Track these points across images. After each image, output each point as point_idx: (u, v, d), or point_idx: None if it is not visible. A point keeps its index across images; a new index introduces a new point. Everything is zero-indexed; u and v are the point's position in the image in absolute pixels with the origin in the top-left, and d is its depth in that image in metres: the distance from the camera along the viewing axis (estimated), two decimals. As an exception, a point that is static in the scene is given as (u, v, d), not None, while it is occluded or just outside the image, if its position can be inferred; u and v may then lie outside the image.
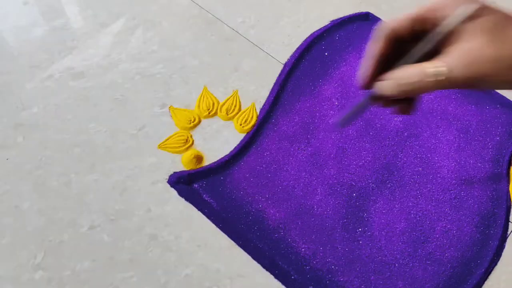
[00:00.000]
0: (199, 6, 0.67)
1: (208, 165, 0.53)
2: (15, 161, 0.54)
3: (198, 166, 0.53)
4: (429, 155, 0.54)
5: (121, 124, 0.57)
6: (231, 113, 0.57)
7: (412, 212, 0.50)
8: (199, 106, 0.58)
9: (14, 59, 0.62)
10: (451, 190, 0.52)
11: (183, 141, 0.55)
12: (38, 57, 0.62)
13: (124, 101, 0.58)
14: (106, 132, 0.56)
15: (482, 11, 0.34)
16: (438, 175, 0.53)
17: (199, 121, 0.57)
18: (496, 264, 0.48)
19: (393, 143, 0.55)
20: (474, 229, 0.49)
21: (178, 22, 0.66)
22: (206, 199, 0.51)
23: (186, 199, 0.51)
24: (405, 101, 0.37)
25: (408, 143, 0.55)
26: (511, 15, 0.34)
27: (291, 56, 0.61)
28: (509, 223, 0.50)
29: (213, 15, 0.66)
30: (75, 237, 0.49)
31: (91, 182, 0.52)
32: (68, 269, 0.47)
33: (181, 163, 0.54)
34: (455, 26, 0.33)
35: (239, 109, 0.58)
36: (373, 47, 0.35)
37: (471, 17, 0.34)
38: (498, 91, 0.58)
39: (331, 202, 0.51)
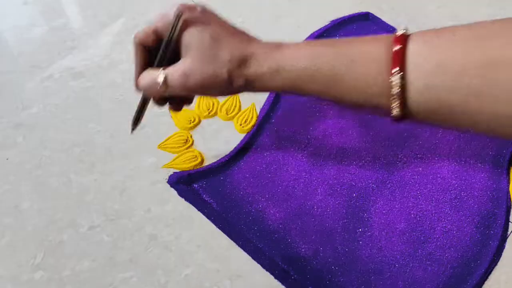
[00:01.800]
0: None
1: (208, 165, 0.53)
2: (15, 161, 0.54)
3: (198, 167, 0.53)
4: (429, 155, 0.54)
5: (121, 124, 0.56)
6: (231, 113, 0.57)
7: (412, 212, 0.50)
8: (199, 106, 0.58)
9: (14, 59, 0.62)
10: (451, 190, 0.52)
11: (183, 141, 0.55)
12: (38, 57, 0.62)
13: (124, 101, 0.58)
14: (106, 132, 0.56)
15: (206, 18, 0.40)
16: (438, 175, 0.53)
17: (199, 121, 0.57)
18: (496, 264, 0.48)
19: (393, 144, 0.55)
20: (474, 229, 0.49)
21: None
22: (206, 199, 0.51)
23: (186, 199, 0.51)
24: (176, 100, 0.45)
25: (408, 143, 0.55)
26: (226, 28, 0.40)
27: (291, 56, 0.61)
28: (509, 223, 0.50)
29: (213, 15, 0.66)
30: (75, 237, 0.49)
31: (91, 182, 0.52)
32: (68, 269, 0.47)
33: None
34: (176, 34, 0.39)
35: (239, 109, 0.58)
36: (134, 56, 0.42)
37: (197, 24, 0.39)
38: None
39: (331, 202, 0.51)
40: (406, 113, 0.34)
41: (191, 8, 0.39)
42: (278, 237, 0.49)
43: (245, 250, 0.48)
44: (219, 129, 0.56)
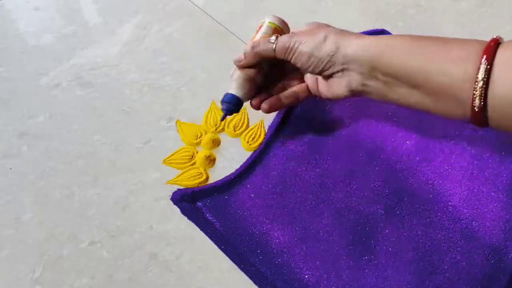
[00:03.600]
0: (212, 18, 0.66)
1: (212, 183, 0.52)
2: (18, 171, 0.53)
3: (202, 184, 0.52)
4: (440, 182, 0.52)
5: (126, 137, 0.56)
6: (238, 129, 0.56)
7: (421, 241, 0.49)
8: (206, 121, 0.57)
9: (22, 66, 0.61)
10: (462, 219, 0.50)
11: (188, 157, 0.54)
12: (46, 65, 0.61)
13: (131, 113, 0.58)
14: (111, 144, 0.55)
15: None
16: (450, 203, 0.51)
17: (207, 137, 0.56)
18: (506, 299, 0.46)
19: (404, 168, 0.53)
20: (484, 261, 0.48)
21: (190, 34, 0.65)
22: (209, 218, 0.50)
23: (189, 218, 0.50)
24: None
25: (419, 168, 0.53)
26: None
27: (303, 73, 0.60)
28: (522, 257, 0.48)
29: (225, 27, 0.65)
30: (74, 253, 0.48)
31: (94, 196, 0.52)
32: (67, 286, 0.46)
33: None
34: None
35: (247, 126, 0.57)
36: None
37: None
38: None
39: (338, 228, 0.49)
40: (485, 113, 0.36)
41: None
42: (281, 262, 0.48)
43: (246, 274, 0.47)
44: (226, 146, 0.55)
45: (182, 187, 0.52)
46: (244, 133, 0.56)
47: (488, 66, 0.35)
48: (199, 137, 0.55)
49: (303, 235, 0.49)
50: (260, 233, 0.49)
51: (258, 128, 0.56)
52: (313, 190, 0.52)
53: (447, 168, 0.53)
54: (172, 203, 0.51)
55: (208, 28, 0.65)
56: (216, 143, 0.55)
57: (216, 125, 0.56)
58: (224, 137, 0.56)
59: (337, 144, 0.55)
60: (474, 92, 0.35)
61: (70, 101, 0.58)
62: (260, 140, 0.55)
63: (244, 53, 0.48)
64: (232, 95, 0.48)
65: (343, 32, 0.43)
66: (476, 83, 0.35)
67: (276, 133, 0.56)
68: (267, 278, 0.47)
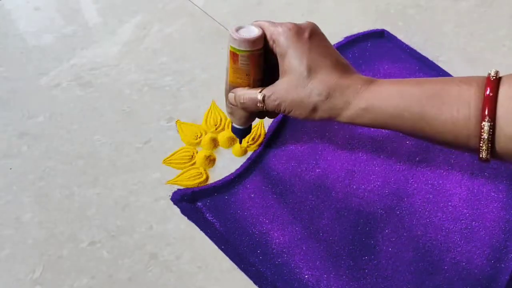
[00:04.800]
0: (211, 17, 0.66)
1: (212, 183, 0.52)
2: (18, 171, 0.53)
3: (202, 184, 0.52)
4: (440, 182, 0.52)
5: (126, 137, 0.56)
6: (238, 129, 0.56)
7: (420, 241, 0.49)
8: (206, 121, 0.57)
9: (22, 66, 0.61)
10: (462, 219, 0.50)
11: (188, 157, 0.54)
12: (46, 65, 0.61)
13: (131, 113, 0.58)
14: (111, 144, 0.55)
15: (311, 44, 0.41)
16: (449, 203, 0.51)
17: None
18: (506, 300, 0.46)
19: (404, 168, 0.53)
20: (484, 262, 0.48)
21: (189, 34, 0.65)
22: (209, 218, 0.50)
23: (189, 218, 0.50)
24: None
25: (419, 168, 0.53)
26: (328, 56, 0.41)
27: (303, 73, 0.60)
28: (522, 257, 0.48)
29: (225, 27, 0.65)
30: (74, 253, 0.48)
31: (94, 195, 0.52)
32: (66, 286, 0.46)
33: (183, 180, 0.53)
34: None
35: (247, 126, 0.57)
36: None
37: (299, 49, 0.40)
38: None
39: (338, 228, 0.49)
40: (493, 156, 0.34)
41: (299, 32, 0.41)
42: (281, 262, 0.48)
43: (246, 274, 0.47)
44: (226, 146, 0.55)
45: (182, 187, 0.52)
46: (244, 133, 0.56)
47: (491, 123, 0.33)
48: (199, 137, 0.55)
49: (303, 235, 0.49)
50: (260, 233, 0.49)
51: (258, 128, 0.56)
52: (313, 190, 0.52)
53: (447, 168, 0.53)
54: (172, 203, 0.51)
55: (208, 28, 0.66)
56: (216, 143, 0.55)
57: (216, 125, 0.56)
58: (224, 137, 0.56)
59: (337, 144, 0.55)
60: (481, 147, 0.34)
61: (70, 101, 0.58)
62: (260, 140, 0.55)
63: (236, 102, 0.45)
64: (237, 128, 0.49)
65: (333, 98, 0.39)
66: (482, 141, 0.33)
67: (276, 133, 0.56)
68: (267, 278, 0.47)
